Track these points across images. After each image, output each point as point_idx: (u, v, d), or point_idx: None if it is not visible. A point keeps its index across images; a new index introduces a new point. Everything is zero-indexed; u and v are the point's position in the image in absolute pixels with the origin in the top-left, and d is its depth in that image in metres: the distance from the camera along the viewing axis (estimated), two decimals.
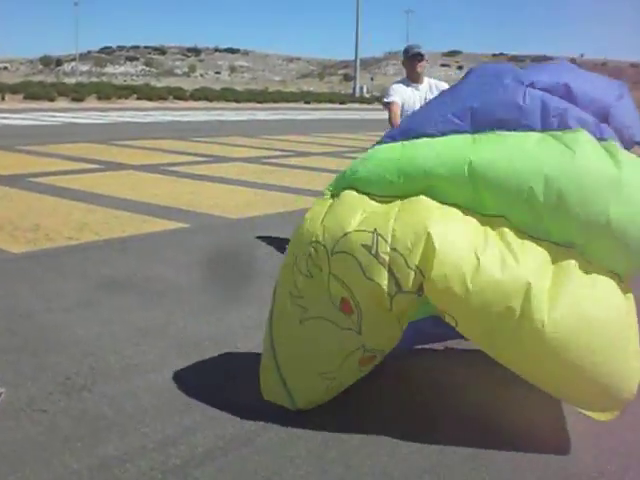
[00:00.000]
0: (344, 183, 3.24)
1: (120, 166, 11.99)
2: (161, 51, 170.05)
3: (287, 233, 6.86)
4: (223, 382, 3.50)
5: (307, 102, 63.51)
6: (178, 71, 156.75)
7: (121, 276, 5.40)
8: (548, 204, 2.87)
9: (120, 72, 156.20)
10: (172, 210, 8.07)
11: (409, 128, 3.36)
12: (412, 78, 5.91)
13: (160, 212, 7.91)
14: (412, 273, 2.80)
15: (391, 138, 3.38)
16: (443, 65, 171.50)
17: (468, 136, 3.14)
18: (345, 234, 2.91)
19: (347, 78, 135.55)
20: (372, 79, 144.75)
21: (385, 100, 5.92)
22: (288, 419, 3.08)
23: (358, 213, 2.98)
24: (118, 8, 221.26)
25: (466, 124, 3.17)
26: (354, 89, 76.23)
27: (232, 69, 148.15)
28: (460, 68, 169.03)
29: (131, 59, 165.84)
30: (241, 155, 14.47)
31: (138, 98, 50.45)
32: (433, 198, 3.01)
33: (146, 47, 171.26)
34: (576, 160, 2.89)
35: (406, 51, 5.97)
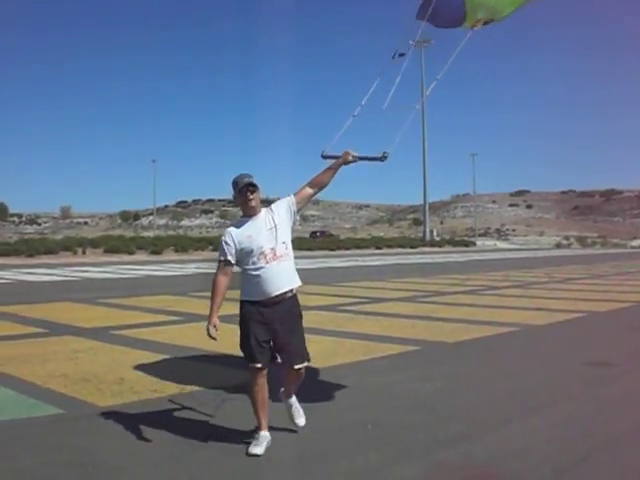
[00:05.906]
0: None
1: (202, 317, 12.07)
2: (235, 203, 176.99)
3: (367, 382, 6.81)
4: None
5: (378, 248, 64.41)
6: None
7: (203, 431, 5.28)
8: None
9: (196, 225, 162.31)
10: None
11: None
12: (247, 213, 5.09)
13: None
14: None
15: None
16: (511, 205, 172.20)
17: None
18: None
19: (416, 222, 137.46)
20: (441, 222, 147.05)
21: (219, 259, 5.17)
22: None
23: None
24: (194, 164, 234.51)
25: None
26: (424, 233, 77.13)
27: (303, 218, 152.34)
28: (529, 207, 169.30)
29: (206, 212, 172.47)
30: (317, 304, 14.42)
31: (214, 249, 52.03)
32: None
33: (220, 200, 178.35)
34: None
35: (235, 184, 5.01)
